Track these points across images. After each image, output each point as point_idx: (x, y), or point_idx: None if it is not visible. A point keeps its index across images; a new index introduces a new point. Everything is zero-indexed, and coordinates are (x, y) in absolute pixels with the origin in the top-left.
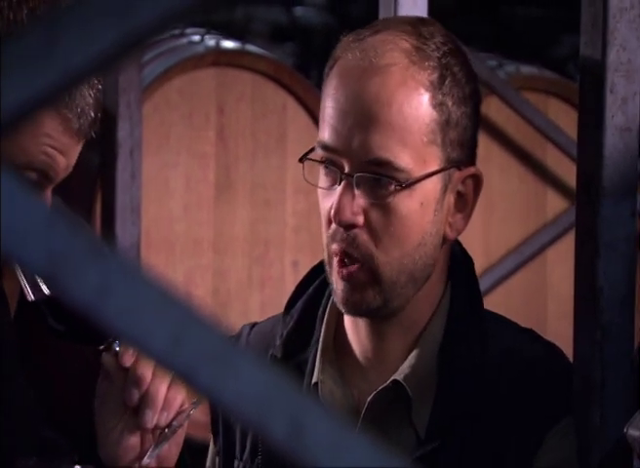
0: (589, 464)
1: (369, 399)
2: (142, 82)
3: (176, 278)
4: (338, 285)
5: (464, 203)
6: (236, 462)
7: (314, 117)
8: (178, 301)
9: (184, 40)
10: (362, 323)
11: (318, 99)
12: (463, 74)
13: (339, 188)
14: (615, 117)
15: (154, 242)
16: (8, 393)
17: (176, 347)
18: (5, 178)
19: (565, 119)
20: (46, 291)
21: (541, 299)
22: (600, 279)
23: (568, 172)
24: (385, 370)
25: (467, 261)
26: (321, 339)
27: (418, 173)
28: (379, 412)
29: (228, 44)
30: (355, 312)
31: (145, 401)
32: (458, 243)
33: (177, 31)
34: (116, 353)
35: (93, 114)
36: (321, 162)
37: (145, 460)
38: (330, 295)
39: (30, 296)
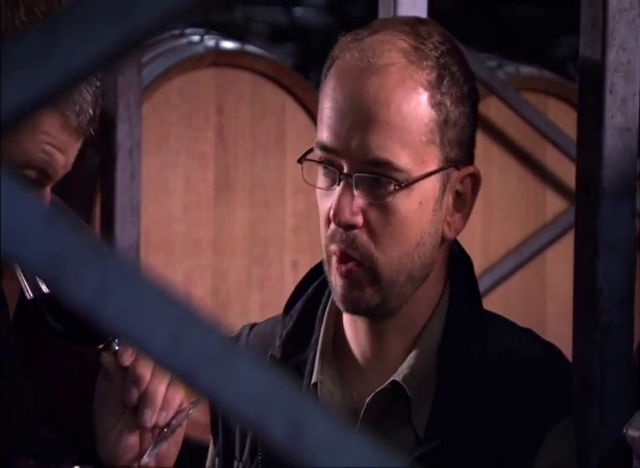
0: (589, 465)
1: (368, 400)
2: (142, 82)
3: (175, 278)
4: (337, 282)
5: (463, 202)
6: (236, 463)
7: (313, 117)
8: (177, 302)
9: (184, 40)
10: (361, 323)
11: (317, 100)
12: (461, 73)
13: (338, 189)
14: (614, 117)
15: (154, 242)
16: (8, 393)
17: (175, 347)
18: (5, 179)
19: (564, 119)
20: (45, 290)
21: (541, 300)
22: (599, 279)
23: (567, 172)
24: (384, 371)
25: (466, 261)
26: (320, 340)
27: (416, 172)
28: (377, 413)
29: (228, 44)
30: (354, 310)
31: (144, 400)
32: (456, 242)
33: (176, 31)
34: (115, 352)
35: (91, 111)
36: (320, 162)
37: (144, 459)
38: (329, 296)
39: (30, 295)
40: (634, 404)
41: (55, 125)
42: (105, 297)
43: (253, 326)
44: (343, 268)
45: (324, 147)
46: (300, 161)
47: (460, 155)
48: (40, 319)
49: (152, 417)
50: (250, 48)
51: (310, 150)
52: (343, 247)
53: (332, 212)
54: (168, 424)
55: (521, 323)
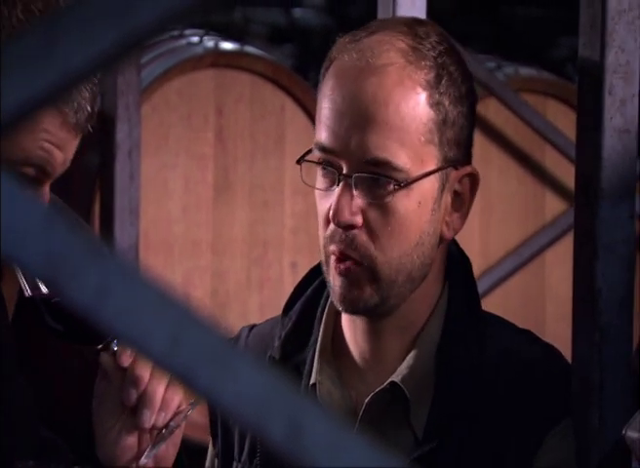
0: (588, 466)
1: (366, 400)
2: (141, 83)
3: (174, 279)
4: (335, 281)
5: (461, 202)
6: (235, 464)
7: (313, 118)
8: (176, 302)
9: (183, 41)
10: (359, 323)
11: (316, 101)
12: (459, 73)
13: (337, 189)
14: (613, 119)
15: (153, 243)
16: (8, 393)
17: (174, 348)
18: (4, 179)
19: (563, 120)
20: (44, 289)
21: (540, 301)
22: (599, 281)
23: (566, 173)
24: (383, 371)
25: (465, 262)
26: (319, 340)
27: (415, 172)
28: (376, 414)
29: (227, 45)
30: (352, 309)
31: (143, 401)
32: (455, 243)
33: (175, 32)
34: (114, 353)
35: (90, 108)
36: (319, 163)
37: (143, 460)
38: (328, 297)
39: (29, 295)
40: (633, 405)
41: (53, 122)
42: (105, 298)
43: (252, 327)
44: (342, 267)
45: (323, 148)
46: (298, 162)
47: (458, 155)
48: (39, 319)
49: (151, 418)
50: (249, 49)
51: (309, 151)
52: (342, 247)
53: (331, 212)
54: (166, 425)
55: (520, 324)
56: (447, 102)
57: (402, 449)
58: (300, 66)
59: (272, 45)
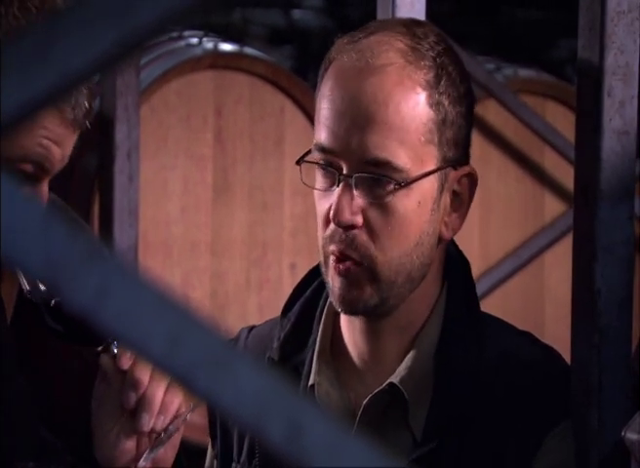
0: (587, 467)
1: (365, 402)
2: (140, 84)
3: (173, 280)
4: (334, 282)
5: (460, 202)
6: (234, 465)
7: (312, 120)
8: (175, 304)
9: (182, 43)
10: (358, 323)
11: (315, 102)
12: (458, 74)
13: (337, 189)
14: (612, 120)
15: (152, 244)
16: (8, 393)
17: (173, 350)
18: (3, 180)
19: (563, 122)
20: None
21: (539, 302)
22: (598, 282)
23: (566, 175)
24: (382, 372)
25: (463, 263)
26: (318, 341)
27: (415, 172)
28: (375, 415)
29: (226, 47)
30: (352, 310)
31: (142, 404)
32: (453, 244)
33: (175, 34)
34: (114, 355)
35: (87, 104)
36: (318, 164)
37: (141, 463)
38: (327, 298)
39: (29, 296)
40: (633, 406)
41: (51, 119)
42: (104, 299)
43: (251, 328)
44: (341, 267)
45: (322, 148)
46: (298, 163)
47: (457, 155)
48: (40, 319)
49: (150, 422)
50: (248, 50)
51: (308, 152)
52: (342, 247)
53: (332, 212)
54: (165, 429)
55: (519, 325)
56: (446, 102)
57: (401, 450)
58: (299, 68)
59: (271, 46)
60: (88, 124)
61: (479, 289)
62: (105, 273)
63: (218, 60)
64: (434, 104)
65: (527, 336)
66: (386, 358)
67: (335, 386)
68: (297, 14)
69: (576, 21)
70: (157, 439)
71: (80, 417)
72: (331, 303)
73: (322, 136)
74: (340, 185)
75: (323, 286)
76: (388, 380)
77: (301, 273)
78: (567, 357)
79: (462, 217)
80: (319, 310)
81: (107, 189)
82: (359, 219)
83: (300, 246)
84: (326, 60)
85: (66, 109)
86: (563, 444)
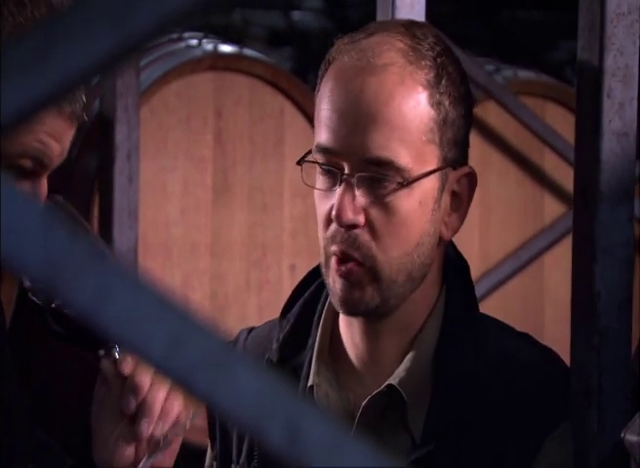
0: None
1: (364, 403)
2: (140, 86)
3: (173, 282)
4: (336, 284)
5: (460, 202)
6: (233, 466)
7: (312, 121)
8: (175, 306)
9: (182, 44)
10: (357, 324)
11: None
12: (457, 74)
13: (339, 189)
14: (612, 122)
15: (151, 246)
16: (7, 394)
17: (173, 352)
18: (3, 182)
19: (562, 124)
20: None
21: (539, 304)
22: (597, 284)
23: (565, 176)
24: (380, 373)
25: (462, 264)
26: (317, 343)
27: (417, 171)
28: (373, 417)
29: (226, 48)
30: (353, 311)
31: (142, 410)
32: (452, 246)
33: (174, 35)
34: (115, 360)
35: (85, 98)
36: (319, 164)
37: None
38: (326, 299)
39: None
40: (632, 408)
41: (49, 113)
42: (104, 301)
43: (250, 329)
44: (343, 269)
45: (324, 149)
46: (299, 163)
47: (457, 155)
48: (41, 321)
49: (149, 428)
50: (248, 51)
51: (309, 152)
52: (344, 247)
53: (334, 211)
54: (165, 435)
55: (519, 327)
56: (447, 102)
57: (399, 452)
58: (299, 69)
59: (271, 48)
60: (85, 117)
61: (479, 290)
62: (105, 274)
63: (217, 62)
64: (435, 104)
65: (526, 338)
66: (385, 359)
67: (334, 387)
68: (296, 15)
69: (575, 23)
70: (156, 445)
71: (80, 419)
72: (330, 305)
73: (323, 136)
74: (342, 185)
75: (322, 287)
76: (387, 382)
77: (301, 274)
78: (566, 358)
79: (462, 218)
80: (318, 311)
81: (107, 190)
82: (361, 219)
83: (299, 247)
84: (325, 61)
85: (64, 104)
86: (563, 446)
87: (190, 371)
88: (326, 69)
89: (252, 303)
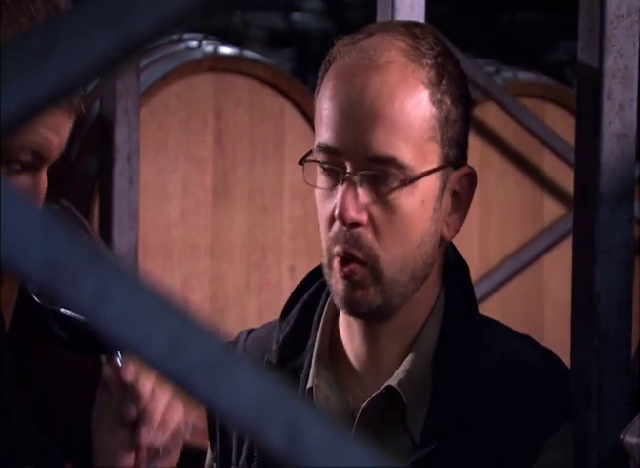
0: None
1: (363, 405)
2: (140, 87)
3: (173, 283)
4: (339, 284)
5: (460, 202)
6: None
7: (312, 122)
8: (175, 307)
9: (182, 45)
10: (357, 326)
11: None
12: (457, 74)
13: (341, 188)
14: (612, 123)
15: (151, 247)
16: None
17: (173, 353)
18: (3, 185)
19: (562, 125)
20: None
21: (539, 306)
22: (597, 285)
23: (565, 178)
24: (380, 375)
25: (462, 266)
26: (316, 344)
27: (419, 169)
28: (373, 418)
29: (226, 49)
30: (356, 311)
31: (142, 418)
32: (452, 247)
33: (174, 37)
34: (117, 366)
35: (82, 90)
36: (320, 163)
37: None
38: (326, 300)
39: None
40: (632, 410)
41: None
42: (103, 303)
43: (250, 331)
44: (346, 269)
45: (326, 148)
46: (301, 163)
47: (457, 154)
48: (44, 324)
49: (148, 436)
50: (248, 53)
51: (310, 153)
52: (347, 246)
53: (337, 210)
54: (164, 444)
55: (519, 329)
56: (448, 101)
57: (399, 453)
58: (298, 70)
59: (271, 49)
60: (83, 109)
61: (478, 291)
62: (105, 276)
63: (217, 63)
64: (437, 102)
65: (526, 340)
66: (385, 360)
67: (333, 389)
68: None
69: (575, 24)
70: (155, 453)
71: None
72: (329, 306)
73: (325, 135)
74: (344, 184)
75: (322, 288)
76: (387, 383)
77: (301, 276)
78: (566, 360)
79: (463, 217)
80: (318, 313)
81: (107, 192)
82: (364, 217)
83: (299, 248)
84: (326, 62)
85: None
86: (563, 448)
87: (190, 373)
88: (326, 70)
89: (251, 305)
